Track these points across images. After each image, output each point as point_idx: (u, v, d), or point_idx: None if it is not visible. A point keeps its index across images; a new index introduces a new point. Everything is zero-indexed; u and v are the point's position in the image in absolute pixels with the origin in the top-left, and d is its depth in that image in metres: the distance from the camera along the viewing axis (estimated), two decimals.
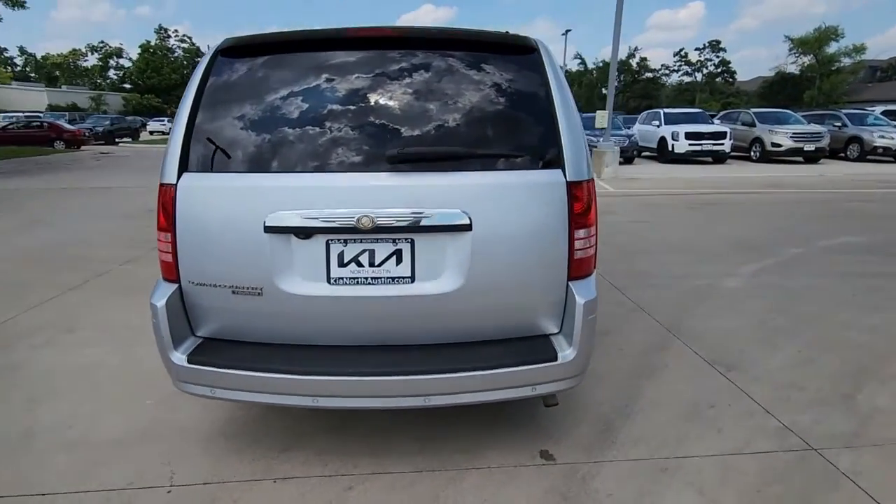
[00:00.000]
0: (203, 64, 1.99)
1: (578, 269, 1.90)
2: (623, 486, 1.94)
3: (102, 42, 59.95)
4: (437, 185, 1.80)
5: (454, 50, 1.98)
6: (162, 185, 1.87)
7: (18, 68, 63.35)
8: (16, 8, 16.89)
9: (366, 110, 1.87)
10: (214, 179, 1.85)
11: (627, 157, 15.55)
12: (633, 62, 53.38)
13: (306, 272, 1.83)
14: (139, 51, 54.72)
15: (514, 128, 1.93)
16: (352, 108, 1.86)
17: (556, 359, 1.85)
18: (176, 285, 1.89)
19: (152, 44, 55.45)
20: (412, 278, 1.84)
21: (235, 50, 1.98)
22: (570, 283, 1.89)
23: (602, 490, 1.92)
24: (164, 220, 1.87)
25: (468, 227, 1.80)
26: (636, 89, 53.06)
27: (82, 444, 2.20)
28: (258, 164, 1.84)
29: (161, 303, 1.82)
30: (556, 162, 1.86)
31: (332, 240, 1.81)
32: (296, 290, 1.82)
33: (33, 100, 40.08)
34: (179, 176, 1.86)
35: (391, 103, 1.88)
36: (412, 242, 1.82)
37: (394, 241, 1.82)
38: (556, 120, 1.89)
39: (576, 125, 1.93)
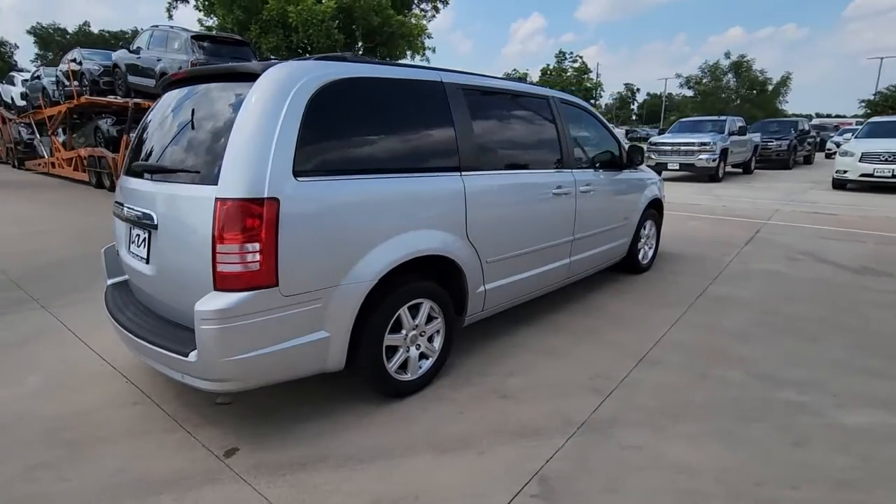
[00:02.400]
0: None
1: (222, 281, 2.01)
2: None
3: (514, 70, 73.48)
4: (151, 191, 2.30)
5: (220, 82, 2.36)
6: None
7: None
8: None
9: (153, 132, 2.53)
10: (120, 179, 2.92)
11: None
12: None
13: (125, 244, 2.67)
14: (539, 74, 64.18)
15: (209, 146, 2.17)
16: (151, 129, 2.57)
17: (185, 355, 2.05)
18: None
19: (551, 67, 63.89)
20: (147, 260, 2.40)
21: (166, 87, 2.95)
22: (214, 292, 2.02)
23: None
24: None
25: (155, 227, 2.23)
26: None
27: None
28: (127, 168, 2.79)
29: (102, 250, 3.03)
30: (216, 178, 2.03)
31: (129, 225, 2.58)
32: (122, 254, 2.70)
33: None
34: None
35: (167, 127, 2.47)
36: (150, 233, 2.39)
37: (145, 229, 2.43)
38: (228, 139, 2.04)
39: (245, 144, 2.02)
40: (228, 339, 2.01)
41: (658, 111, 67.55)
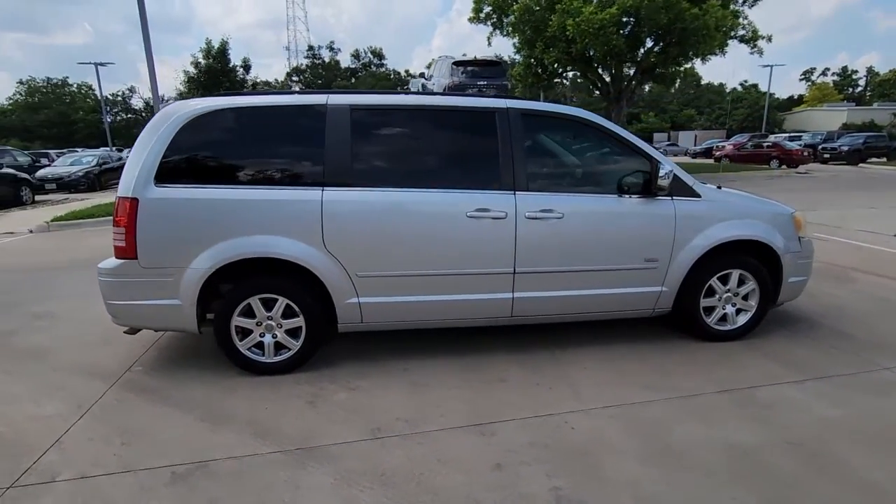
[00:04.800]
0: None
1: (114, 251, 3.02)
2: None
3: None
4: None
5: None
6: None
7: (859, 89, 65.09)
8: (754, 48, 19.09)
9: None
10: None
11: None
12: None
13: None
14: None
15: None
16: None
17: None
18: None
19: None
20: None
21: None
22: (112, 258, 3.06)
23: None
24: None
25: None
26: None
27: None
28: None
29: None
30: None
31: None
32: None
33: (834, 119, 41.55)
34: None
35: None
36: None
37: None
38: None
39: (130, 159, 2.96)
40: (108, 289, 3.02)
41: None
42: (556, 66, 18.84)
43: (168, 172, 2.94)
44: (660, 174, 3.12)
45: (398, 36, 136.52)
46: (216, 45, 17.24)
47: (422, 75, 16.26)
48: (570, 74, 22.75)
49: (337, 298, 3.08)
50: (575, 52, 16.85)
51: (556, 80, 25.45)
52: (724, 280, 3.47)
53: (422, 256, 3.10)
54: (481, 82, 12.39)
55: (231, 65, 17.57)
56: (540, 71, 20.80)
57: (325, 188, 2.99)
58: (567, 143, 3.54)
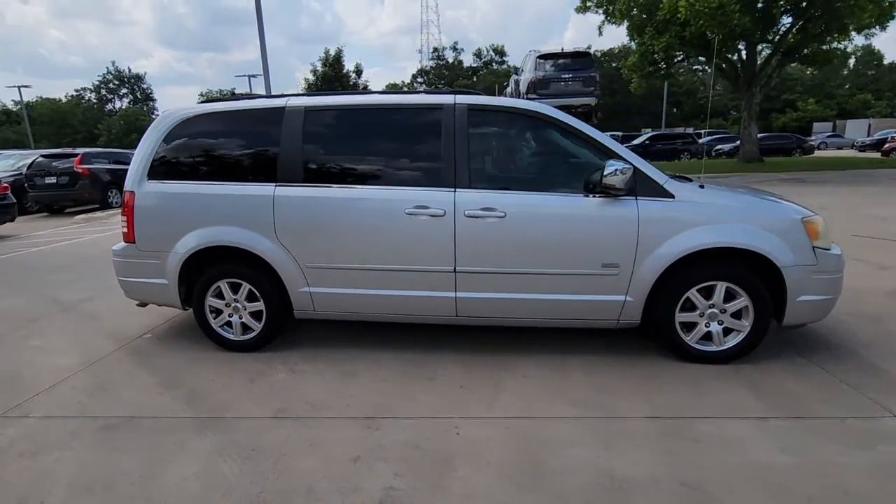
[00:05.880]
0: None
1: (122, 236, 3.60)
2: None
3: None
4: None
5: None
6: None
7: None
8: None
9: None
10: None
11: None
12: None
13: None
14: None
15: None
16: None
17: None
18: None
19: None
20: None
21: None
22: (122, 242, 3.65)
23: None
24: None
25: None
26: None
27: None
28: None
29: None
30: None
31: None
32: None
33: None
34: None
35: None
36: None
37: None
38: None
39: (133, 158, 3.50)
40: (117, 267, 3.62)
41: None
42: (668, 52, 17.19)
43: (157, 169, 3.42)
44: (605, 172, 2.81)
45: (531, 30, 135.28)
46: (333, 53, 18.92)
47: (515, 70, 16.04)
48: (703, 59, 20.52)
49: (290, 287, 3.32)
50: (689, 35, 15.23)
51: (696, 67, 23.10)
52: (708, 293, 3.01)
53: (362, 251, 3.20)
54: (567, 75, 11.84)
55: (344, 70, 19.14)
56: (657, 58, 19.17)
57: (278, 184, 3.24)
58: (521, 139, 3.34)
